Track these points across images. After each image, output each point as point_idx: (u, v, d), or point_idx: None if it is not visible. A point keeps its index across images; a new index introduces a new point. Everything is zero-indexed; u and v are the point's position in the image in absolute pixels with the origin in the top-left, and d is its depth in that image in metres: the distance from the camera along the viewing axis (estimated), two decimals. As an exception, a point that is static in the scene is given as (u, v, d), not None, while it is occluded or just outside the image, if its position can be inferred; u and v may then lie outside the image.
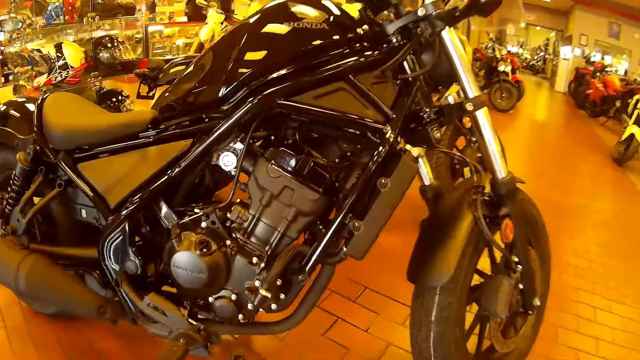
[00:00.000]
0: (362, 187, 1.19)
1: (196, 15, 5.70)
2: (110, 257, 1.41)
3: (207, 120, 1.29)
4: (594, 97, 9.35)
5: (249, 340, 1.82)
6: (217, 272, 1.27)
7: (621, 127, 7.33)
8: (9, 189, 1.59)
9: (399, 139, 1.21)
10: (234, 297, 1.30)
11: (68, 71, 3.93)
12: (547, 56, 15.54)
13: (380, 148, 1.19)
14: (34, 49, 3.99)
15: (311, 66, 1.20)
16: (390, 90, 1.25)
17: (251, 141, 1.26)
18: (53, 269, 1.41)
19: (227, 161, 1.28)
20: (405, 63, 1.26)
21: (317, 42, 1.21)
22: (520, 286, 1.40)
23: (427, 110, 1.27)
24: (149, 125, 1.38)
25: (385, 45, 1.24)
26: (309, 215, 1.26)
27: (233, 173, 1.27)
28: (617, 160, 6.05)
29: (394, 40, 1.23)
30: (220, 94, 1.24)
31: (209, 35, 5.10)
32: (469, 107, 1.24)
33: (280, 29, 1.23)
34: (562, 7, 13.38)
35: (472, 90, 1.24)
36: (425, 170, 1.39)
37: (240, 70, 1.22)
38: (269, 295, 1.22)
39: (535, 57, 16.13)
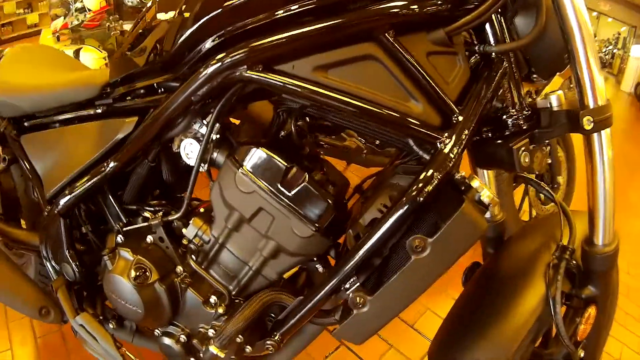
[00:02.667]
0: (384, 236, 0.71)
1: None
2: (48, 256, 1.11)
3: (160, 90, 0.86)
4: (664, 103, 8.57)
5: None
6: (157, 309, 0.93)
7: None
8: None
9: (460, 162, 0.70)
10: (183, 338, 0.97)
11: (85, 14, 3.57)
12: (615, 51, 14.37)
13: (429, 172, 0.69)
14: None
15: (320, 10, 0.69)
16: (459, 71, 0.73)
17: (220, 124, 0.83)
18: None
19: (190, 151, 0.87)
20: (488, 27, 0.73)
21: None
22: None
23: (515, 112, 0.76)
24: (106, 90, 0.99)
25: None
26: (296, 256, 0.83)
27: (201, 169, 0.86)
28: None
29: None
30: (175, 45, 0.77)
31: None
32: (587, 123, 0.71)
33: None
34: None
35: (597, 95, 0.71)
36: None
37: (203, 9, 0.74)
38: (222, 355, 0.88)
39: (604, 50, 14.96)
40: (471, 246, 0.70)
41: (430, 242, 0.68)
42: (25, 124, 1.16)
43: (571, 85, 0.76)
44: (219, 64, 0.71)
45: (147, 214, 0.97)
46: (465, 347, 0.78)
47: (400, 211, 0.69)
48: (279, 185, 0.78)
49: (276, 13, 0.69)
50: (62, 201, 1.00)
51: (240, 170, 0.79)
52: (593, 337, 0.87)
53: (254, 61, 0.70)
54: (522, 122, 0.76)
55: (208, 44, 0.74)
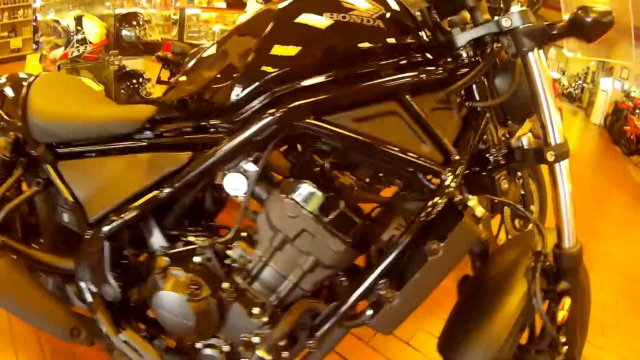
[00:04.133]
0: (405, 247, 0.92)
1: (236, 1, 5.43)
2: (86, 277, 1.17)
3: (211, 130, 1.02)
4: (631, 134, 8.98)
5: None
6: (207, 320, 1.04)
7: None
8: None
9: (459, 189, 0.93)
10: (226, 348, 1.07)
11: (86, 46, 3.72)
12: (585, 85, 15.04)
13: (436, 199, 0.91)
14: (54, 20, 3.81)
15: (355, 76, 0.92)
16: (454, 122, 0.96)
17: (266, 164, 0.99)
18: (22, 275, 1.21)
19: (235, 184, 1.01)
20: (474, 87, 0.97)
21: (367, 44, 0.92)
22: None
23: (495, 151, 0.99)
24: (147, 125, 1.11)
25: (451, 61, 0.95)
26: (330, 268, 1.00)
27: (240, 199, 1.01)
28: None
29: (464, 55, 0.95)
30: (231, 99, 0.95)
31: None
32: (550, 157, 0.94)
33: (319, 21, 0.94)
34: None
35: (557, 135, 0.94)
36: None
37: (262, 69, 0.94)
38: (269, 358, 1.00)
39: (574, 85, 15.65)
40: (470, 248, 0.93)
41: (442, 245, 0.89)
42: (59, 150, 1.22)
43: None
44: (281, 113, 0.90)
45: (190, 238, 1.08)
46: (466, 338, 0.98)
47: (417, 227, 0.90)
48: (319, 211, 0.96)
49: (323, 77, 0.91)
50: (109, 226, 1.09)
51: (287, 199, 0.96)
52: (571, 324, 1.08)
53: (307, 113, 0.90)
54: (500, 158, 0.98)
55: (266, 96, 0.93)
